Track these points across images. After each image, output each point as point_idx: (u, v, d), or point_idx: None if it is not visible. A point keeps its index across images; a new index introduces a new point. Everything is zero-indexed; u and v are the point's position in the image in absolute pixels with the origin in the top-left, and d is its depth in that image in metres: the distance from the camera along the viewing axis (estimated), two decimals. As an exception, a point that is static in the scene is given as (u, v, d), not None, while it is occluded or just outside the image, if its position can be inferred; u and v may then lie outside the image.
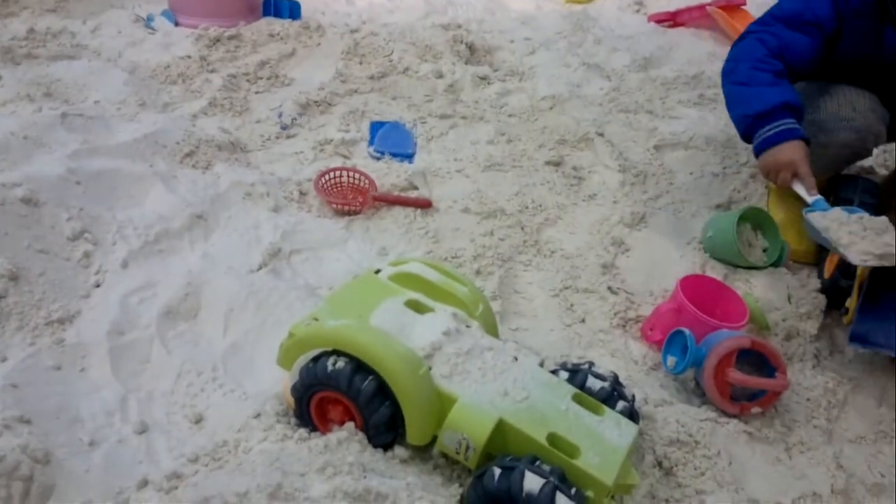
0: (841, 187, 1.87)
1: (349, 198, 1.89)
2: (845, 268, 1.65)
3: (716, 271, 1.75)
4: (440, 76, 2.53)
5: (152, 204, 1.68)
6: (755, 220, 1.79)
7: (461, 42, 2.71)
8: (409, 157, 2.13)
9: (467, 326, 1.24)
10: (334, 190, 1.91)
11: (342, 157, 2.09)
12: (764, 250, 1.78)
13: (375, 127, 2.22)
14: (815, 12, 1.74)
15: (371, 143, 2.15)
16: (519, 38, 2.97)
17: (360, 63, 2.57)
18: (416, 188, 1.97)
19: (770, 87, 1.71)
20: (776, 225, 1.79)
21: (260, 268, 1.56)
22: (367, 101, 2.36)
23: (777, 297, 1.66)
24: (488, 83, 2.58)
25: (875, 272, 1.54)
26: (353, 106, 2.32)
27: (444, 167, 2.08)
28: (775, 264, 1.76)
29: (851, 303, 1.58)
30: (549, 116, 2.39)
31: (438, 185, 2.00)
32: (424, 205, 1.89)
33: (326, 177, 1.91)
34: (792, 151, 1.65)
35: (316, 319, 1.20)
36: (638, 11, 3.40)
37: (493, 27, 3.05)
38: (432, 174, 2.04)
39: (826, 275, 1.72)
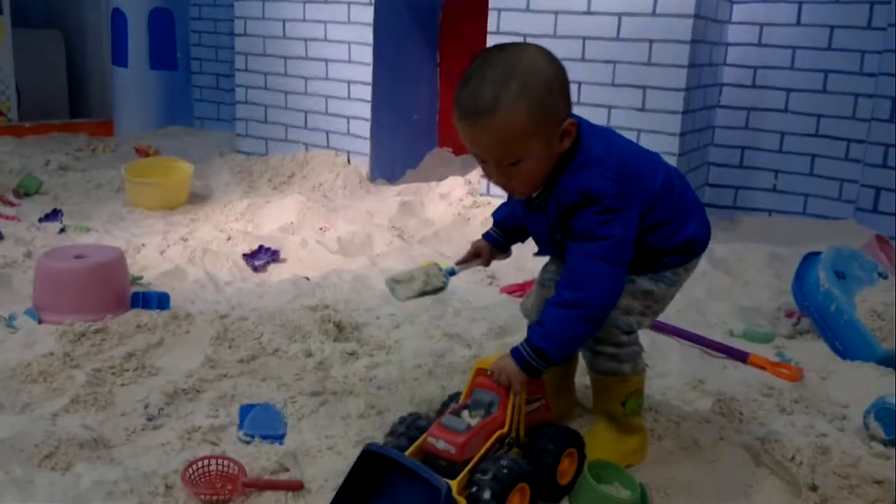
0: None
1: (217, 487, 1.85)
2: None
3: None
4: (309, 355, 2.62)
5: (3, 514, 1.59)
6: (605, 471, 1.88)
7: (329, 321, 2.86)
8: (280, 438, 2.14)
9: None
10: (202, 480, 1.87)
11: (211, 443, 2.07)
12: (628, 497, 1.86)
13: (245, 410, 2.24)
14: None
15: (240, 427, 2.16)
16: (384, 315, 3.15)
17: (230, 347, 2.63)
18: (287, 470, 1.97)
19: None
20: (625, 470, 1.90)
21: (120, 574, 1.48)
22: (237, 385, 2.40)
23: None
24: (357, 358, 2.70)
25: None
26: (222, 391, 2.34)
27: (315, 445, 2.10)
28: (642, 508, 1.84)
29: None
30: (417, 386, 2.50)
31: (310, 465, 2.01)
32: (296, 487, 1.88)
33: (194, 467, 1.88)
34: None
35: None
36: (490, 284, 3.71)
37: (359, 305, 3.24)
38: (303, 454, 2.05)
39: None
